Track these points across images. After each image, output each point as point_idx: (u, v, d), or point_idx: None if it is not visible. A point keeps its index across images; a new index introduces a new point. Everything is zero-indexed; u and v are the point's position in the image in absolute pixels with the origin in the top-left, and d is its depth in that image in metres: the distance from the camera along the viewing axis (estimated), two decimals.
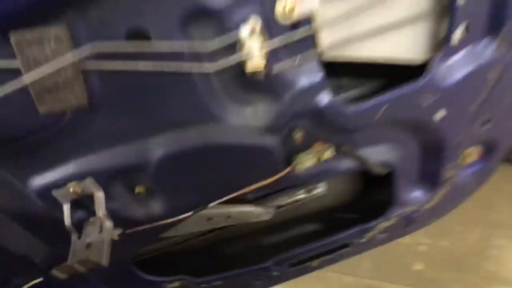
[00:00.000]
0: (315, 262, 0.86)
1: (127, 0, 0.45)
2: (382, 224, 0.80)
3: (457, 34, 0.57)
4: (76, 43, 0.44)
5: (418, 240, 1.21)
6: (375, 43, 0.59)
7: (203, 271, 0.83)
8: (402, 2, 0.56)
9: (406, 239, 1.23)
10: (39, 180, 0.58)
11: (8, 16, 0.42)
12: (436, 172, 0.73)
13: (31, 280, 0.76)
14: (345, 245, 0.84)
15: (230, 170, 0.62)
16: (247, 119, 0.58)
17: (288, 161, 0.63)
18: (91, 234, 0.58)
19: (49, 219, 0.64)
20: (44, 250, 0.70)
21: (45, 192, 0.58)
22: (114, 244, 0.61)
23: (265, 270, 0.83)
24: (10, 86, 0.44)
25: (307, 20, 0.51)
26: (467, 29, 0.57)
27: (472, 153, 0.75)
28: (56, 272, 0.67)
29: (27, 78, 0.43)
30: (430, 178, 0.75)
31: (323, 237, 0.81)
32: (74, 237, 0.58)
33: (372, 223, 0.79)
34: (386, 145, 0.68)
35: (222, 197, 0.64)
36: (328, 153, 0.63)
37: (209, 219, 0.78)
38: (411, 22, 0.58)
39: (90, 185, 0.58)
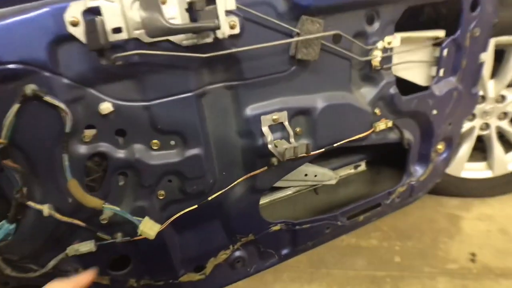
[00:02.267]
0: (361, 217, 1.26)
1: None
2: (399, 189, 1.29)
3: (441, 73, 1.21)
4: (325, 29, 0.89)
5: (393, 244, 1.71)
6: (408, 73, 1.19)
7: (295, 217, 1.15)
8: (420, 52, 1.19)
9: (385, 244, 1.71)
10: (254, 109, 0.93)
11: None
12: (428, 153, 1.29)
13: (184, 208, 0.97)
14: (378, 205, 1.28)
15: (348, 121, 1.05)
16: (361, 95, 1.07)
17: (371, 126, 1.12)
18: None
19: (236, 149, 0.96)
20: (214, 176, 0.97)
21: (255, 117, 0.93)
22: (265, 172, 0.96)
23: (334, 219, 1.19)
24: (284, 42, 0.86)
25: (392, 49, 1.08)
26: (444, 71, 1.22)
27: (441, 146, 1.35)
28: None
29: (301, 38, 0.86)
30: (424, 157, 1.30)
31: (367, 197, 1.25)
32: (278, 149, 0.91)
33: (395, 187, 1.28)
34: (409, 129, 1.23)
35: (340, 141, 1.06)
36: (390, 124, 1.14)
37: (306, 175, 1.16)
38: (422, 65, 1.21)
39: (283, 116, 0.95)
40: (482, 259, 1.63)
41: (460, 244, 1.72)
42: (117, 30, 0.69)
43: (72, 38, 0.69)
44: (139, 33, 0.71)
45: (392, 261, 1.64)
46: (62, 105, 0.70)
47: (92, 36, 0.64)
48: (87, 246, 0.90)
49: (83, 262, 0.94)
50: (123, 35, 0.70)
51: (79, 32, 0.68)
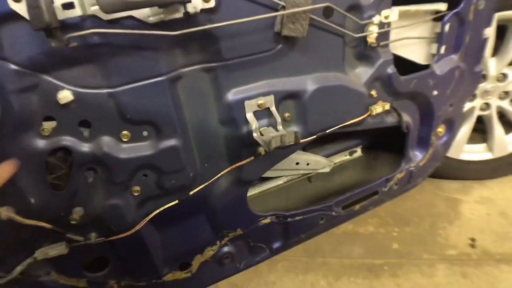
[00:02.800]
0: (357, 206, 1.18)
1: None
2: (397, 175, 1.21)
3: (442, 50, 1.12)
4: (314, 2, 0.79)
5: (391, 230, 1.64)
6: (406, 50, 1.09)
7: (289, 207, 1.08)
8: (419, 28, 1.09)
9: (382, 230, 1.64)
10: (236, 93, 0.83)
11: None
12: (428, 136, 1.21)
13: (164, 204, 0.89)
14: (375, 192, 1.20)
15: (341, 104, 0.96)
16: (356, 75, 0.98)
17: (367, 109, 1.03)
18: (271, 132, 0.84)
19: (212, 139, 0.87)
20: (195, 168, 0.88)
21: (238, 103, 0.83)
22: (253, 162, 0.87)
23: (328, 209, 1.12)
24: (268, 15, 0.76)
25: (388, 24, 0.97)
26: (446, 48, 1.12)
27: (441, 129, 1.26)
28: None
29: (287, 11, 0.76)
30: (423, 141, 1.22)
31: (364, 184, 1.17)
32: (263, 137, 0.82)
33: (392, 174, 1.20)
34: (407, 112, 1.14)
35: (334, 126, 0.97)
36: (387, 107, 1.05)
37: (297, 163, 1.07)
38: (421, 42, 1.11)
39: (270, 100, 0.86)
40: (482, 244, 1.57)
41: (460, 229, 1.66)
42: (69, 6, 0.59)
43: (17, 15, 0.59)
44: (96, 9, 0.61)
45: (390, 248, 1.58)
46: None
47: (35, 13, 0.54)
48: (57, 249, 0.83)
49: (55, 265, 0.86)
50: (77, 11, 0.60)
51: (22, 9, 0.57)
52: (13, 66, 0.62)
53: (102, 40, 0.65)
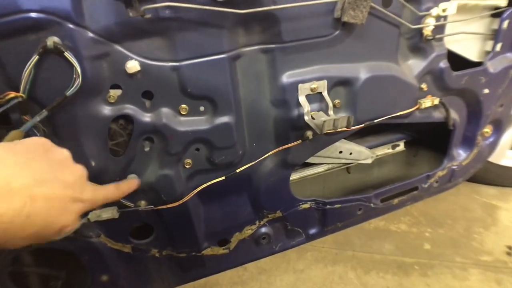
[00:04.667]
0: (395, 201, 1.18)
1: None
2: (439, 173, 1.20)
3: (498, 47, 1.09)
4: None
5: (423, 230, 1.63)
6: (460, 46, 1.07)
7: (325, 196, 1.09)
8: (476, 23, 1.06)
9: (415, 230, 1.63)
10: (290, 76, 0.85)
11: None
12: (473, 136, 1.19)
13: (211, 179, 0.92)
14: (415, 188, 1.20)
15: (392, 95, 0.96)
16: (408, 67, 0.97)
17: (416, 102, 1.02)
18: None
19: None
20: (244, 146, 0.91)
21: (292, 85, 0.85)
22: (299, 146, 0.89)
23: (367, 200, 1.12)
24: (329, 0, 0.77)
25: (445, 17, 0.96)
26: (502, 46, 1.09)
27: (488, 129, 1.24)
28: None
29: None
30: (469, 140, 1.20)
31: (403, 180, 1.17)
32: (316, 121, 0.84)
33: (434, 170, 1.19)
34: (455, 109, 1.13)
35: (382, 117, 0.97)
36: (436, 101, 1.04)
37: (340, 152, 1.08)
38: (476, 38, 1.09)
39: (323, 85, 0.87)
40: None
41: (496, 236, 1.62)
42: None
43: None
44: None
45: (421, 247, 1.57)
46: (78, 67, 0.64)
47: None
48: (109, 213, 0.87)
49: (105, 228, 0.91)
50: None
51: None
52: (91, 34, 0.66)
53: (173, 15, 0.68)
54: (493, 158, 1.72)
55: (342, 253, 1.57)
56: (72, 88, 0.66)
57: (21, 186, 0.42)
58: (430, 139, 1.27)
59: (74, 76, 0.65)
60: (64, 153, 0.54)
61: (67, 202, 0.49)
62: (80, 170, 0.55)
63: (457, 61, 1.06)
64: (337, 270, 1.49)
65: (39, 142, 0.51)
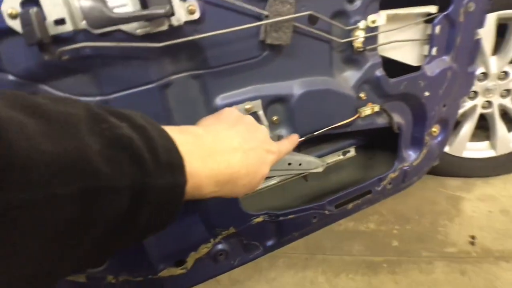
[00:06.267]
0: (350, 205, 1.21)
1: None
2: (390, 175, 1.23)
3: (433, 51, 1.13)
4: (299, 9, 0.82)
5: (391, 228, 1.66)
6: (397, 52, 1.11)
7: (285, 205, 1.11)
8: (410, 30, 1.10)
9: (383, 228, 1.67)
10: (224, 99, 0.87)
11: None
12: (421, 137, 1.22)
13: None
14: (368, 192, 1.23)
15: (329, 107, 0.99)
16: (344, 79, 1.01)
17: (356, 111, 1.06)
18: None
19: None
20: None
21: (227, 107, 0.87)
22: None
23: (321, 208, 1.15)
24: (251, 25, 0.79)
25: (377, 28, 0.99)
26: (437, 49, 1.13)
27: (436, 129, 1.27)
28: None
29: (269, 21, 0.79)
30: (417, 141, 1.24)
31: (356, 184, 1.20)
32: None
33: (385, 173, 1.22)
34: (399, 113, 1.16)
35: (322, 129, 1.00)
36: (376, 108, 1.08)
37: (289, 164, 1.10)
38: (413, 44, 1.12)
39: (257, 105, 0.90)
40: (482, 241, 1.58)
41: (460, 227, 1.67)
42: (61, 22, 0.64)
43: (13, 31, 0.64)
44: (86, 23, 0.66)
45: (390, 245, 1.60)
46: None
47: (28, 30, 0.59)
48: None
49: None
50: (68, 27, 0.64)
51: (18, 25, 0.63)
52: (11, 77, 0.67)
53: (94, 52, 0.69)
54: (455, 151, 1.78)
55: (312, 257, 1.60)
56: None
57: (238, 145, 0.55)
58: (385, 142, 1.31)
59: None
60: (251, 118, 0.66)
61: (264, 154, 0.60)
62: (265, 129, 0.66)
63: (399, 67, 1.09)
64: (308, 275, 1.52)
65: (231, 111, 0.64)
